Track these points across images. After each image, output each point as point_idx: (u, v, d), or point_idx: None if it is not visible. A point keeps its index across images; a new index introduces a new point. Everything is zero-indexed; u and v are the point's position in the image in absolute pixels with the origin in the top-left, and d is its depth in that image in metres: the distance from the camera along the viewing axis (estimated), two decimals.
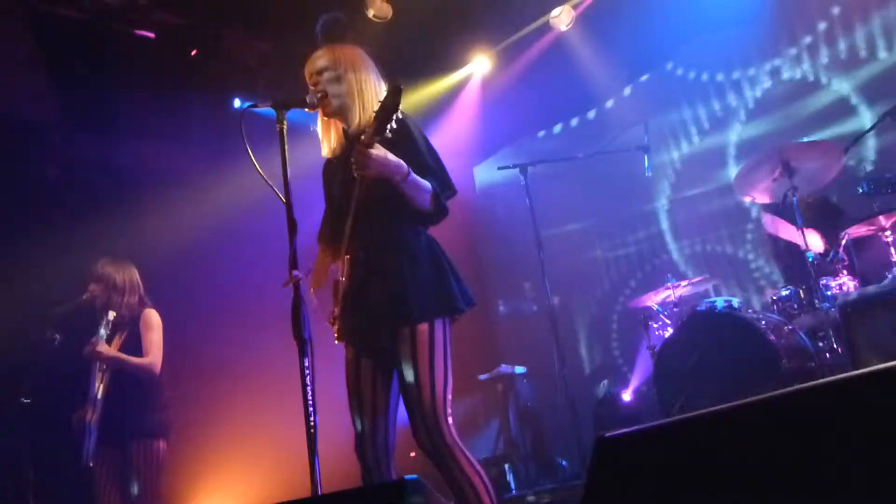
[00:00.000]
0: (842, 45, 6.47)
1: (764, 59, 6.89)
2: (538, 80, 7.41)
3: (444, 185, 3.15)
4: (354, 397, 3.15)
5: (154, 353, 4.73)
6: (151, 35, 6.02)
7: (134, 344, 4.72)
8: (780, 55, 6.79)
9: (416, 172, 3.04)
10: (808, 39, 6.64)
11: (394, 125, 2.89)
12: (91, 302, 4.75)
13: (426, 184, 3.06)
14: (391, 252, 3.11)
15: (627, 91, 7.80)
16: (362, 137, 2.95)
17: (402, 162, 2.97)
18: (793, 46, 6.72)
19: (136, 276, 4.89)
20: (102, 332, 4.59)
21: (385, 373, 3.14)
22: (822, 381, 1.34)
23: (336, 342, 3.21)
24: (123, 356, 4.65)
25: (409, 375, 3.02)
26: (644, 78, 7.72)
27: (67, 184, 5.95)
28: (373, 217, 3.09)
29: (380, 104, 2.89)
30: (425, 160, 3.13)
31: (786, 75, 6.78)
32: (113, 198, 5.82)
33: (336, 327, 3.18)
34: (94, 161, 6.05)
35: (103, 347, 4.58)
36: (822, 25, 6.56)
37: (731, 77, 7.13)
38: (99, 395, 4.61)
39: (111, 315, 4.63)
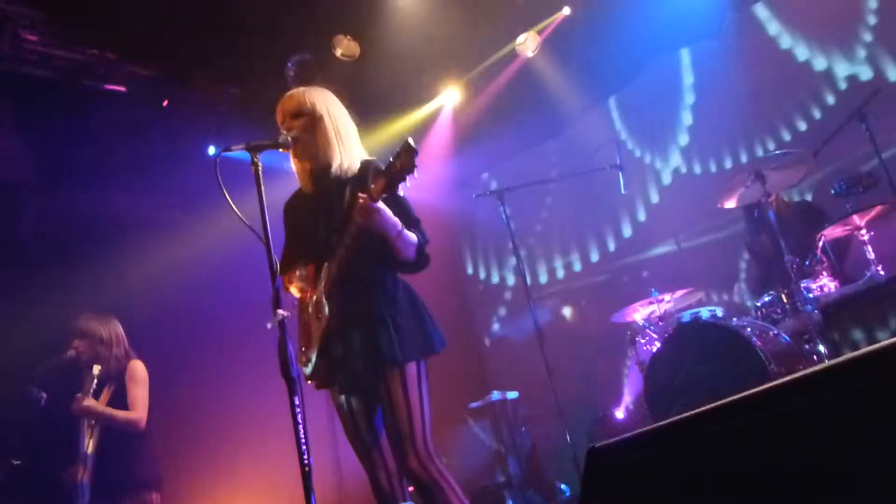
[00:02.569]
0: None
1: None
2: (509, 107, 7.49)
3: (424, 234, 3.23)
4: (356, 437, 3.24)
5: (139, 406, 4.69)
6: (122, 89, 6.05)
7: (121, 397, 4.69)
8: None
9: (406, 224, 3.12)
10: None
11: (405, 186, 2.88)
12: (76, 358, 4.71)
13: (413, 238, 3.14)
14: (372, 296, 3.18)
15: (597, 111, 7.89)
16: (371, 188, 2.95)
17: (397, 220, 3.05)
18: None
19: (120, 328, 4.87)
20: (88, 387, 4.55)
21: (372, 410, 3.22)
22: (802, 372, 1.36)
23: (307, 381, 3.24)
24: (110, 411, 4.61)
25: (398, 413, 3.11)
26: (614, 95, 7.81)
27: (43, 241, 5.92)
28: (356, 262, 3.14)
29: (393, 163, 2.85)
30: (411, 213, 3.22)
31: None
32: (90, 252, 5.79)
33: (309, 367, 3.22)
34: (70, 216, 6.03)
35: (90, 402, 4.54)
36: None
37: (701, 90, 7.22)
38: (89, 452, 4.56)
39: (96, 370, 4.59)
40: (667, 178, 7.49)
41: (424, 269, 3.25)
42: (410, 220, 3.18)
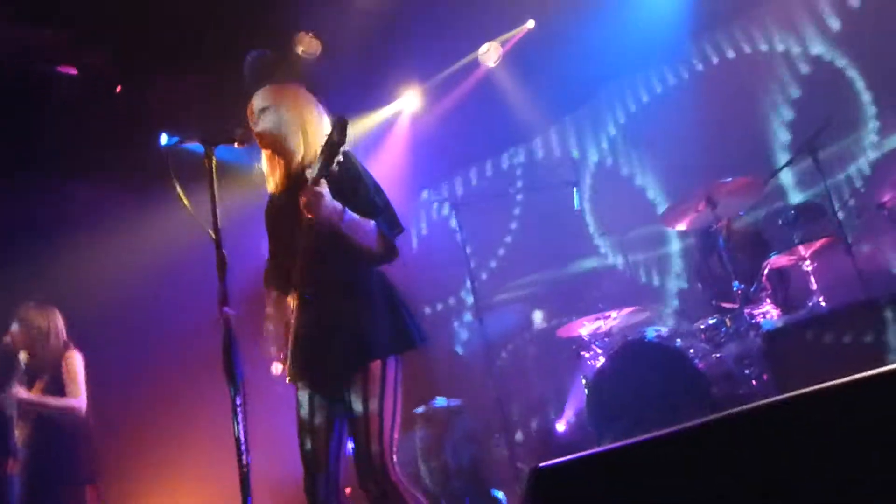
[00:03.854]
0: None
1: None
2: (468, 116, 7.50)
3: (391, 223, 3.15)
4: (306, 437, 3.11)
5: (76, 393, 4.58)
6: (74, 71, 5.91)
7: (55, 388, 4.58)
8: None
9: (363, 211, 3.03)
10: None
11: (339, 161, 2.88)
12: (11, 347, 4.59)
13: (368, 223, 3.04)
14: (342, 291, 3.09)
15: (556, 127, 7.94)
16: (307, 174, 2.93)
17: (336, 204, 2.94)
18: None
19: (60, 319, 4.76)
20: (17, 375, 4.42)
21: (336, 412, 3.10)
22: (749, 405, 1.37)
23: (287, 382, 3.16)
24: (45, 399, 4.50)
25: (359, 413, 3.01)
26: (571, 114, 7.87)
27: None
28: (323, 256, 3.05)
29: (326, 140, 2.88)
30: (372, 198, 3.12)
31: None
32: (34, 240, 5.66)
33: (286, 367, 3.15)
34: (14, 203, 5.88)
35: (21, 391, 4.41)
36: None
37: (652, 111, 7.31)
38: (19, 444, 4.44)
39: (23, 356, 4.46)
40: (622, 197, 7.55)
41: (392, 260, 3.16)
42: (372, 205, 3.09)
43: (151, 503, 5.98)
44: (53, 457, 4.48)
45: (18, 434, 4.47)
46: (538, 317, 6.79)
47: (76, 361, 4.68)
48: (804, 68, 6.52)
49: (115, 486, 5.20)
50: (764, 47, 6.76)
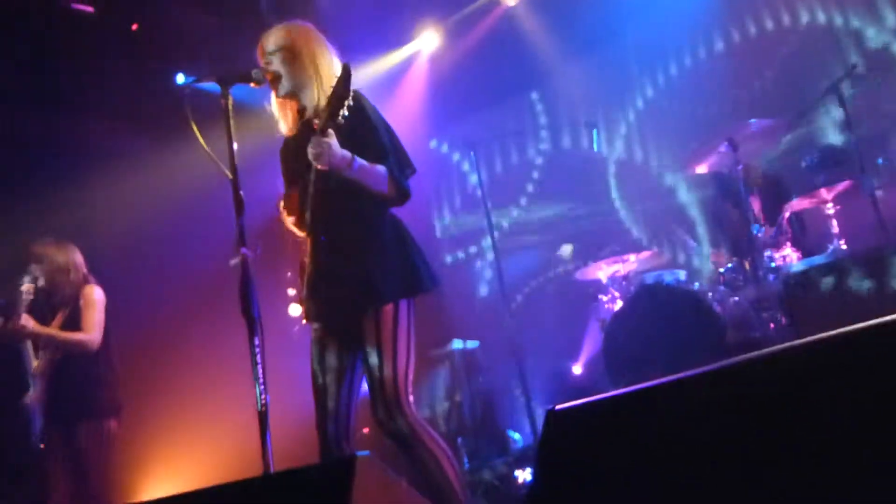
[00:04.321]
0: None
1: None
2: (487, 56, 7.39)
3: (402, 164, 3.14)
4: (318, 375, 3.14)
5: (91, 328, 4.60)
6: (90, 9, 5.85)
7: (75, 322, 4.62)
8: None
9: (371, 155, 3.02)
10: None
11: (346, 111, 2.86)
12: (31, 283, 4.63)
13: (378, 168, 3.03)
14: (354, 234, 3.10)
15: (576, 67, 7.81)
16: (315, 124, 2.91)
17: (345, 152, 2.92)
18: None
19: (78, 255, 4.78)
20: (20, 306, 4.44)
21: (349, 352, 3.13)
22: (765, 350, 1.36)
23: (304, 322, 3.19)
24: (51, 331, 4.53)
25: (373, 356, 3.03)
26: (592, 52, 7.74)
27: (6, 161, 5.78)
28: (334, 200, 3.05)
29: (332, 90, 2.86)
30: (382, 141, 3.10)
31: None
32: (54, 175, 5.67)
33: (302, 308, 3.17)
34: (34, 137, 5.89)
35: (28, 322, 4.44)
36: None
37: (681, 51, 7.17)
38: (37, 374, 4.51)
39: (26, 287, 4.48)
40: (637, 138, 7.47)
41: (404, 203, 3.14)
42: (382, 148, 3.08)
43: (171, 438, 6.08)
44: (75, 388, 4.53)
45: (36, 365, 4.53)
46: (566, 251, 6.73)
47: (94, 296, 4.70)
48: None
49: (136, 419, 5.29)
50: None
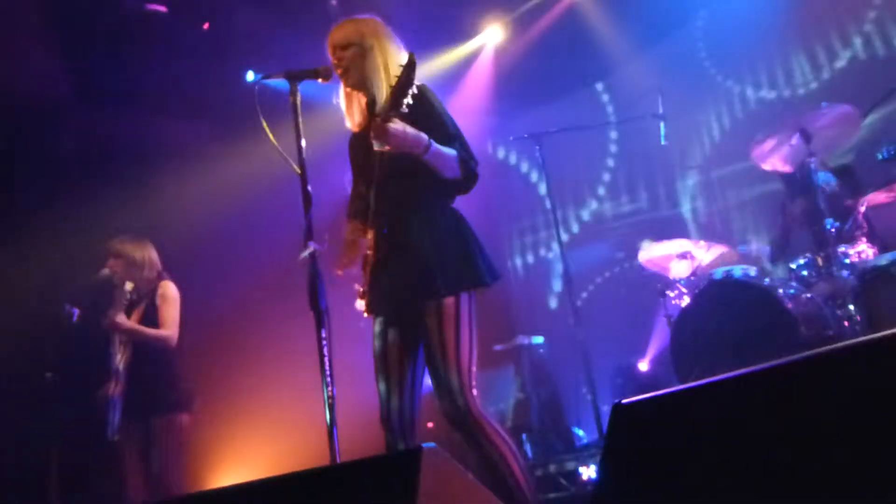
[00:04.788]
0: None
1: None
2: (552, 49, 7.35)
3: (468, 151, 3.14)
4: (381, 368, 3.16)
5: (170, 325, 4.74)
6: (163, 9, 6.01)
7: (152, 317, 4.75)
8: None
9: (439, 142, 3.02)
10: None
11: (410, 100, 2.88)
12: (110, 278, 4.78)
13: (451, 152, 3.04)
14: (416, 226, 3.11)
15: (642, 59, 7.72)
16: (377, 112, 2.95)
17: (421, 134, 2.95)
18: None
19: (154, 252, 4.91)
20: (120, 303, 4.61)
21: (412, 345, 3.14)
22: (838, 345, 1.33)
23: (365, 315, 3.22)
24: (140, 328, 4.68)
25: (436, 349, 3.04)
26: (659, 44, 7.63)
27: (83, 160, 5.97)
28: (396, 191, 3.08)
29: (396, 79, 2.89)
30: (448, 129, 3.12)
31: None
32: (128, 173, 5.84)
33: (365, 301, 3.20)
34: (109, 136, 6.06)
35: (121, 319, 4.60)
36: None
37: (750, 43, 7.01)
38: (121, 368, 4.65)
39: (129, 286, 4.65)
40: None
41: (472, 187, 3.15)
42: (448, 136, 3.08)
43: (241, 430, 6.20)
44: (150, 383, 4.67)
45: (119, 358, 4.68)
46: (622, 254, 6.68)
47: (171, 293, 4.84)
48: None
49: (207, 412, 5.41)
50: None
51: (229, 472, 6.25)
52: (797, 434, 1.32)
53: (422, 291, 3.05)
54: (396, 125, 2.90)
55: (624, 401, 1.59)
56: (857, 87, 6.24)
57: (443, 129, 3.09)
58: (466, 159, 3.08)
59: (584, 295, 7.94)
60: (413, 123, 2.97)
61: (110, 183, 5.67)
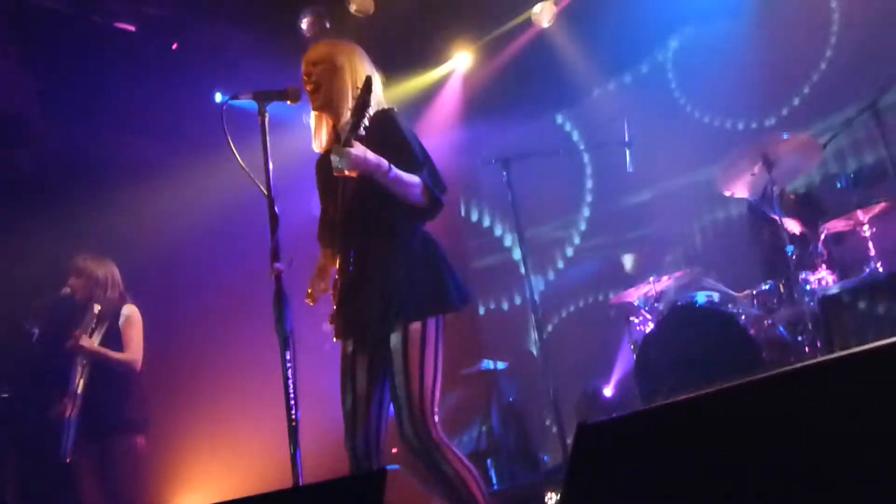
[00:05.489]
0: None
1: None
2: (520, 76, 7.42)
3: (434, 179, 3.13)
4: (348, 392, 3.15)
5: (134, 348, 4.71)
6: (132, 28, 5.98)
7: (114, 339, 4.70)
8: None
9: (405, 166, 3.02)
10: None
11: (367, 122, 2.88)
12: (71, 296, 4.72)
13: (413, 178, 3.03)
14: (383, 249, 3.10)
15: (610, 87, 7.82)
16: (340, 135, 2.96)
17: (381, 159, 2.95)
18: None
19: (116, 271, 4.87)
20: (88, 325, 4.55)
21: (379, 370, 3.13)
22: (799, 364, 1.35)
23: (334, 340, 3.21)
24: (105, 351, 4.63)
25: (399, 373, 3.03)
26: (626, 72, 7.74)
27: (44, 176, 5.89)
28: (364, 214, 3.08)
29: (354, 101, 2.90)
30: (414, 155, 3.11)
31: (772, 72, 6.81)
32: (91, 191, 5.76)
33: (333, 325, 3.18)
34: (72, 153, 6.00)
35: (86, 341, 4.54)
36: None
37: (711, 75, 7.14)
38: (79, 390, 4.59)
39: (97, 308, 4.59)
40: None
41: (437, 215, 3.15)
42: (413, 162, 3.08)
43: (203, 452, 6.12)
44: (108, 404, 4.62)
45: (78, 380, 4.61)
46: (628, 261, 6.69)
47: (136, 316, 4.80)
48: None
49: (168, 433, 5.34)
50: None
51: (191, 495, 6.16)
52: (760, 452, 1.34)
53: (389, 316, 3.04)
54: (357, 149, 2.89)
55: (588, 421, 1.59)
56: (817, 116, 6.39)
57: (408, 155, 3.09)
58: (431, 187, 3.07)
59: (551, 319, 7.97)
60: (378, 147, 2.97)
61: (74, 202, 5.60)
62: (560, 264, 8.20)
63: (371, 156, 2.92)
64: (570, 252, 8.18)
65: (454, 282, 3.17)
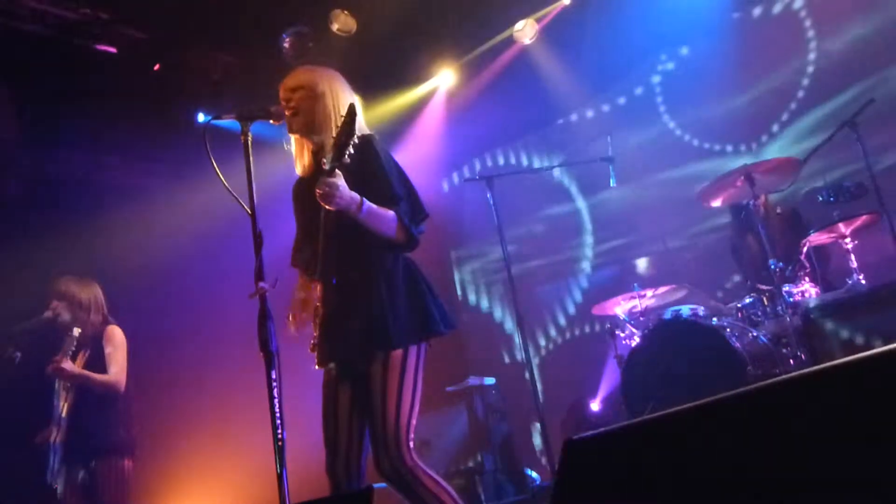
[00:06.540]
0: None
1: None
2: (503, 93, 7.46)
3: (414, 210, 3.13)
4: (330, 420, 3.14)
5: (118, 370, 4.66)
6: (113, 50, 5.97)
7: (97, 361, 4.65)
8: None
9: (380, 199, 3.02)
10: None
11: (352, 150, 2.88)
12: (53, 320, 4.67)
13: (387, 213, 3.03)
14: (365, 276, 3.09)
15: (592, 102, 7.87)
16: (323, 164, 2.94)
17: (354, 195, 2.93)
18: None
19: (100, 293, 4.83)
20: (68, 349, 4.50)
21: (361, 397, 3.11)
22: (784, 376, 1.36)
23: (316, 367, 3.20)
24: (87, 373, 4.58)
25: (376, 400, 3.03)
26: (608, 89, 7.80)
27: (28, 200, 5.87)
28: (344, 242, 3.06)
29: (337, 130, 2.89)
30: (392, 187, 3.10)
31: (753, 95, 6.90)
32: (75, 214, 5.74)
33: (315, 353, 3.18)
34: (56, 176, 5.98)
35: (67, 364, 4.50)
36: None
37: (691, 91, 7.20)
38: (63, 414, 4.54)
39: (76, 332, 4.55)
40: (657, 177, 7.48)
41: (413, 249, 3.14)
42: (389, 195, 3.07)
43: (186, 476, 6.07)
44: (92, 429, 4.56)
45: (62, 404, 4.56)
46: (642, 264, 6.69)
47: (119, 337, 4.75)
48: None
49: (151, 457, 5.29)
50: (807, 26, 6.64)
51: None
52: (747, 465, 1.34)
53: (371, 343, 3.04)
54: (338, 180, 2.89)
55: (575, 437, 1.60)
56: (800, 138, 6.47)
57: (384, 188, 3.08)
58: (407, 224, 3.07)
59: (536, 335, 7.98)
60: (355, 174, 2.95)
61: (57, 224, 5.57)
62: (545, 278, 8.21)
63: (346, 191, 2.91)
64: (555, 266, 8.19)
65: (437, 307, 3.17)
